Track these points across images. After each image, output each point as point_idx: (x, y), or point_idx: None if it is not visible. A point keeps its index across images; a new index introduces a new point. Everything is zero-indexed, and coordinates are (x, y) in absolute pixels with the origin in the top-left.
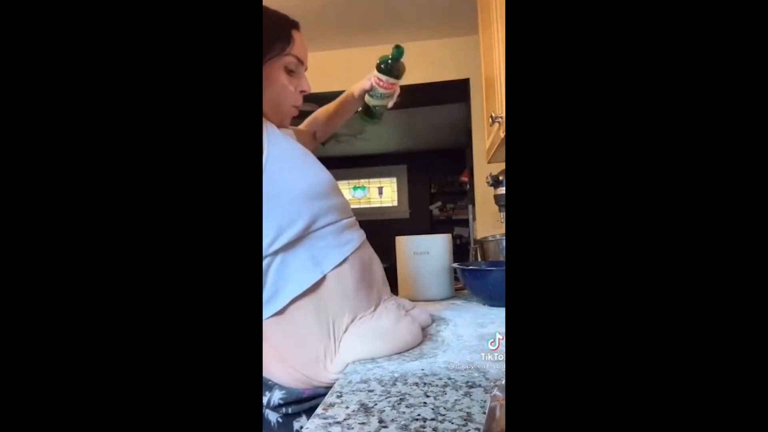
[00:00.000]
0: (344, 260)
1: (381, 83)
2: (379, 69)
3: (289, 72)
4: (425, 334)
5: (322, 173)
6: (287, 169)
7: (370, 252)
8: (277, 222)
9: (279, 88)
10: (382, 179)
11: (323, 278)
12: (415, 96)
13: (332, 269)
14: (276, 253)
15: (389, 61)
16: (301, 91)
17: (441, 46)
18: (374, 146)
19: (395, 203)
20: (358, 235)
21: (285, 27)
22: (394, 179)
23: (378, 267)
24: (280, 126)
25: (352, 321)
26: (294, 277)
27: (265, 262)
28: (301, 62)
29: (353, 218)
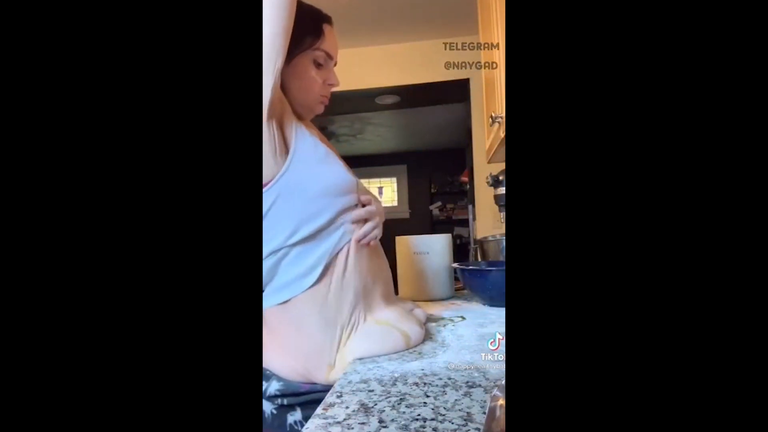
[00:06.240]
0: (355, 260)
1: None
2: None
3: (318, 65)
4: (425, 333)
5: (344, 173)
6: (311, 165)
7: (380, 253)
8: (297, 216)
9: (308, 81)
10: (382, 179)
11: (331, 277)
12: (415, 96)
13: (342, 268)
14: (292, 246)
15: None
16: (329, 85)
17: (441, 46)
18: (374, 146)
19: (395, 203)
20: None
21: (316, 21)
22: (394, 179)
23: (386, 269)
24: (306, 118)
25: (360, 321)
26: (303, 272)
27: (280, 253)
28: (330, 57)
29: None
